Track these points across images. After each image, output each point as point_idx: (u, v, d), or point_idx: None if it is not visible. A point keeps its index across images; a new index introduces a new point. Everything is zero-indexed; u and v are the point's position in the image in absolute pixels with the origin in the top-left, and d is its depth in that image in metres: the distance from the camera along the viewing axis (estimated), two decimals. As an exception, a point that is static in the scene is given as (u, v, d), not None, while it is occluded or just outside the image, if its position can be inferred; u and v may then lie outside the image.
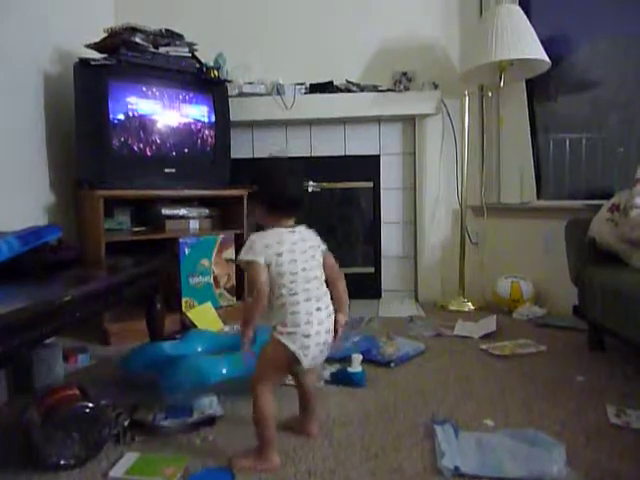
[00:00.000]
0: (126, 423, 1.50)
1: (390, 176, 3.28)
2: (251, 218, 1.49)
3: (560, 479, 1.22)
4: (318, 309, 1.34)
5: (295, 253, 1.36)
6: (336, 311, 1.40)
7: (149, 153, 2.62)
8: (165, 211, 2.72)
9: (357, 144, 3.26)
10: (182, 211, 2.77)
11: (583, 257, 2.20)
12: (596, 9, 2.93)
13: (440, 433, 1.43)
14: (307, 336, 1.30)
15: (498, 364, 2.05)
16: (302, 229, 1.45)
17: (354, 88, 3.08)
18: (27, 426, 1.34)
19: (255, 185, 1.45)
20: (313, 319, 1.32)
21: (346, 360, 1.93)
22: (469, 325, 2.56)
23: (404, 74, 3.06)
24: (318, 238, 1.48)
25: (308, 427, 1.49)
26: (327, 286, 1.41)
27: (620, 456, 1.33)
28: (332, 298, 1.41)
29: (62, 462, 1.30)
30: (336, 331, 1.38)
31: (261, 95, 3.08)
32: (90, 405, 1.36)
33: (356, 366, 1.87)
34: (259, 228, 1.45)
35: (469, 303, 2.99)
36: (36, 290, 1.52)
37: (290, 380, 1.85)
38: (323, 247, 1.46)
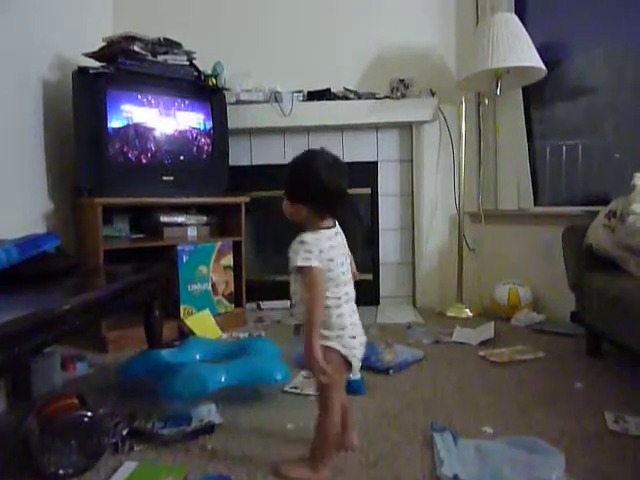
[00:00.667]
0: (125, 432, 1.50)
1: (388, 183, 3.29)
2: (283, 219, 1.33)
3: (559, 486, 1.22)
4: (354, 311, 1.35)
5: (340, 256, 1.33)
6: None
7: (147, 161, 2.62)
8: (163, 218, 2.72)
9: (355, 151, 3.27)
10: (180, 218, 2.78)
11: (580, 263, 2.20)
12: (591, 17, 2.95)
13: (439, 441, 1.43)
14: (353, 337, 1.30)
15: (496, 371, 2.06)
16: (338, 229, 1.37)
17: (352, 95, 3.10)
18: (26, 435, 1.34)
19: (293, 181, 1.32)
20: (355, 321, 1.33)
21: (345, 367, 1.93)
22: (467, 332, 2.56)
23: (401, 81, 3.08)
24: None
25: (348, 441, 1.45)
26: None
27: (619, 463, 1.34)
28: None
29: (61, 471, 1.29)
30: None
31: (259, 102, 3.10)
32: (88, 414, 1.36)
33: (355, 373, 1.86)
34: (300, 229, 1.32)
35: (467, 310, 3.00)
36: (35, 299, 1.52)
37: (292, 388, 1.86)
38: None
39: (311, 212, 1.30)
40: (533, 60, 2.63)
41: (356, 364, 1.31)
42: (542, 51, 2.68)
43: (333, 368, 1.27)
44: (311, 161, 1.31)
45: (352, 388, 1.82)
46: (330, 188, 1.29)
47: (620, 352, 2.11)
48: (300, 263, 1.25)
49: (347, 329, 1.29)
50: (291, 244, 1.30)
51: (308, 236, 1.28)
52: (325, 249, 1.27)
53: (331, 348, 1.28)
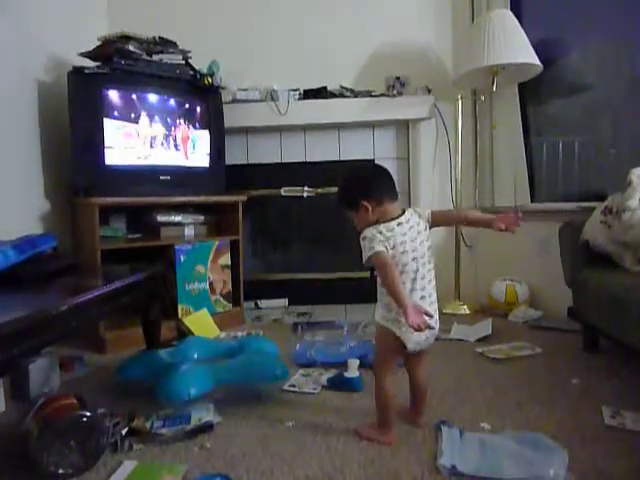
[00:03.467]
0: (124, 431, 1.50)
1: (385, 181, 3.29)
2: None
3: (556, 482, 1.23)
4: (422, 297, 1.42)
5: (406, 244, 1.41)
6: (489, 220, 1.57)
7: (144, 160, 2.62)
8: (160, 218, 2.72)
9: (351, 149, 3.27)
10: (177, 218, 2.78)
11: (577, 259, 2.21)
12: (587, 13, 2.95)
13: (445, 433, 1.45)
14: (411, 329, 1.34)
15: (494, 367, 2.07)
16: (409, 216, 1.47)
17: (348, 93, 3.10)
18: (25, 435, 1.34)
19: (348, 192, 1.53)
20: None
21: (343, 365, 1.94)
22: (465, 328, 2.57)
23: (397, 79, 3.08)
24: (426, 212, 1.51)
25: (416, 418, 1.56)
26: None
27: (616, 458, 1.34)
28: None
29: (60, 471, 1.30)
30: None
31: (255, 101, 3.10)
32: (87, 414, 1.36)
33: (353, 371, 1.88)
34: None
35: (464, 306, 3.01)
36: (32, 299, 1.52)
37: (290, 387, 1.86)
38: (427, 214, 1.51)
39: (374, 206, 1.45)
40: (529, 57, 2.64)
41: (411, 347, 1.42)
42: (538, 47, 2.69)
43: (387, 346, 1.44)
44: (358, 171, 1.64)
45: (350, 385, 1.84)
46: (379, 178, 1.52)
47: (617, 348, 2.11)
48: (368, 254, 1.40)
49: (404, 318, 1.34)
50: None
51: (369, 229, 1.43)
52: (387, 237, 1.40)
53: (387, 328, 1.43)
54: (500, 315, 2.83)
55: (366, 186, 1.49)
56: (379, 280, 1.44)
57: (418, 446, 1.44)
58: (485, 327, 2.52)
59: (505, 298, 2.88)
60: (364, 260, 1.43)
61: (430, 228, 1.51)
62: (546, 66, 2.72)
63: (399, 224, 1.43)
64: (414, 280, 1.42)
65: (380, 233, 1.40)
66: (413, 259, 1.41)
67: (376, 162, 3.27)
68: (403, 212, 1.47)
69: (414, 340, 1.41)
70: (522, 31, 2.69)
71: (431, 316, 1.38)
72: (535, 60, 2.65)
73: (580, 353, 2.19)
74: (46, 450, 1.29)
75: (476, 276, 3.13)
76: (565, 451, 1.32)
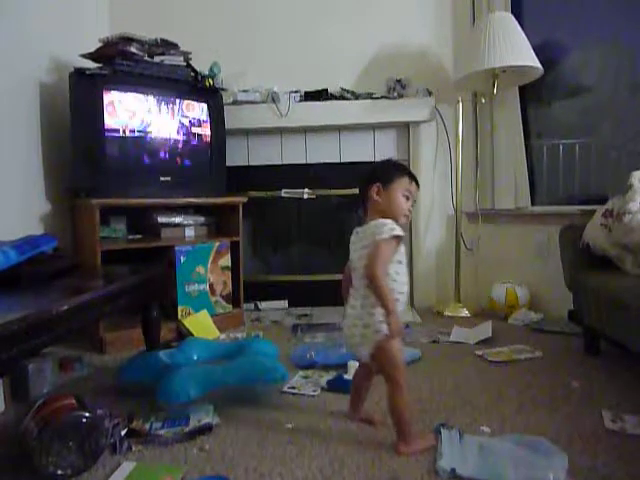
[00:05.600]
0: (123, 432, 1.50)
1: (385, 183, 3.29)
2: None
3: (557, 486, 1.22)
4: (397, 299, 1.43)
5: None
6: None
7: (144, 162, 2.62)
8: (161, 219, 2.72)
9: (352, 151, 3.28)
10: (178, 219, 2.78)
11: (578, 262, 2.21)
12: (588, 15, 2.96)
13: (445, 436, 1.44)
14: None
15: (494, 370, 2.06)
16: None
17: (348, 95, 3.10)
18: (24, 436, 1.34)
19: (374, 179, 1.54)
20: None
21: (342, 367, 1.94)
22: (465, 331, 2.56)
23: (398, 81, 3.08)
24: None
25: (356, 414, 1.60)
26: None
27: (616, 462, 1.34)
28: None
29: (59, 472, 1.29)
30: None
31: (256, 103, 3.10)
32: (87, 414, 1.35)
33: (352, 373, 1.87)
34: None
35: (465, 309, 3.00)
36: (33, 300, 1.52)
37: (290, 388, 1.86)
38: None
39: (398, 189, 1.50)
40: (530, 59, 2.64)
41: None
42: (539, 50, 2.69)
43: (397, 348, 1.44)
44: (382, 162, 1.69)
45: (350, 387, 1.83)
46: (397, 163, 1.62)
47: (618, 351, 2.11)
48: (391, 233, 1.41)
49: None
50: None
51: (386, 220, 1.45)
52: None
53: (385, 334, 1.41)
54: (500, 318, 2.83)
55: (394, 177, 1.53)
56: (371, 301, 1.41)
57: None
58: (485, 330, 2.52)
59: (505, 301, 2.88)
60: (385, 235, 1.41)
61: None
62: (547, 69, 2.73)
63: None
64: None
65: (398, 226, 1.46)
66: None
67: (377, 164, 3.28)
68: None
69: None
70: (523, 33, 2.69)
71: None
72: (536, 63, 2.65)
73: (581, 356, 2.18)
74: (45, 451, 1.28)
75: (476, 279, 3.13)
76: (565, 455, 1.31)
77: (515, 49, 2.63)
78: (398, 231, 1.42)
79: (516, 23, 2.72)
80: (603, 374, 1.96)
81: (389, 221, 1.44)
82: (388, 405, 1.45)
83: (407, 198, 1.51)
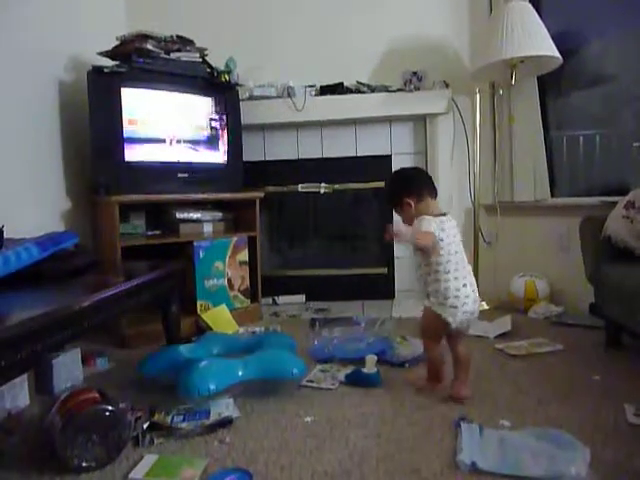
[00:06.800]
0: (145, 425, 1.53)
1: (402, 176, 3.27)
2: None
3: (578, 480, 1.21)
4: (464, 285, 1.65)
5: (450, 237, 1.66)
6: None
7: (162, 158, 2.64)
8: (179, 215, 2.74)
9: (368, 145, 3.26)
10: (196, 215, 2.80)
11: (599, 255, 2.18)
12: (607, 3, 2.90)
13: (465, 430, 1.44)
14: (454, 307, 1.63)
15: (514, 364, 2.05)
16: (449, 216, 1.72)
17: (364, 89, 3.09)
18: (49, 429, 1.37)
19: (393, 191, 1.79)
20: (460, 294, 1.63)
21: (360, 361, 1.94)
22: (484, 325, 2.54)
23: (414, 73, 3.05)
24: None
25: (460, 391, 1.70)
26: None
27: (639, 455, 1.32)
28: None
29: (83, 464, 1.32)
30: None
31: (272, 98, 3.10)
32: (110, 408, 1.38)
33: (371, 367, 1.88)
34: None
35: (484, 302, 2.97)
36: (55, 296, 1.55)
37: (308, 382, 1.87)
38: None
39: (415, 202, 1.71)
40: (548, 49, 2.59)
41: (454, 325, 1.65)
42: (557, 39, 2.64)
43: (433, 325, 1.68)
44: (405, 172, 1.87)
45: (368, 381, 1.84)
46: (419, 176, 1.80)
47: (640, 344, 2.08)
48: (425, 228, 1.62)
49: (450, 299, 1.63)
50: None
51: (425, 218, 1.65)
52: (437, 228, 1.63)
53: (434, 311, 1.66)
54: (520, 311, 2.81)
55: (408, 184, 1.76)
56: (423, 271, 1.68)
57: (437, 442, 1.44)
58: (505, 323, 2.50)
59: (525, 294, 2.85)
60: (418, 232, 1.63)
61: None
62: (566, 58, 2.67)
63: (442, 220, 1.67)
64: (456, 270, 1.65)
65: (435, 223, 1.64)
66: (455, 252, 1.66)
67: (394, 157, 3.27)
68: (444, 214, 1.71)
69: (457, 320, 1.63)
70: (541, 22, 2.64)
71: None
72: (555, 52, 2.60)
73: (602, 350, 2.16)
74: (70, 443, 1.31)
75: (495, 272, 3.10)
76: (587, 448, 1.30)
77: (533, 38, 2.58)
78: None
79: (534, 12, 2.67)
80: (625, 368, 1.93)
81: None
82: (466, 355, 1.75)
83: None
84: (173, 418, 1.57)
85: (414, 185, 1.74)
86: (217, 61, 2.87)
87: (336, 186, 3.27)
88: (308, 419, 1.60)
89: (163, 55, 2.61)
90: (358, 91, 3.09)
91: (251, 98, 3.09)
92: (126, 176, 2.49)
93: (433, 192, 1.75)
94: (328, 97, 3.09)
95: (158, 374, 1.84)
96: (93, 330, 1.52)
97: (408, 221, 1.73)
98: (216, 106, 2.85)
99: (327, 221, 3.44)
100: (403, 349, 2.14)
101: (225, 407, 1.63)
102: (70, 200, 2.59)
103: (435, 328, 1.70)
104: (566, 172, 3.10)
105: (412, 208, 1.71)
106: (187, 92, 2.74)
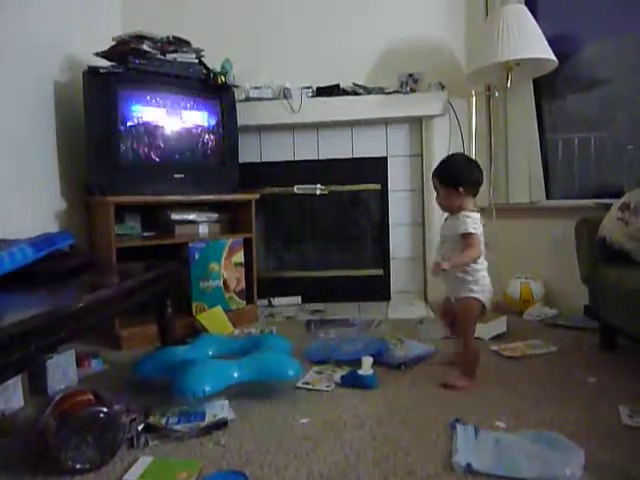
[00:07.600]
0: (140, 427, 1.52)
1: (398, 178, 3.28)
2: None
3: (573, 482, 1.21)
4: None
5: (482, 234, 1.82)
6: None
7: (158, 159, 2.64)
8: (175, 216, 2.74)
9: (364, 146, 3.27)
10: (191, 216, 2.79)
11: (593, 257, 2.19)
12: (603, 6, 2.92)
13: (460, 432, 1.44)
14: (490, 292, 1.88)
15: (509, 365, 2.05)
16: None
17: (361, 91, 3.09)
18: (42, 431, 1.36)
19: (453, 170, 1.86)
20: (488, 281, 1.88)
21: (356, 363, 1.94)
22: (480, 326, 2.52)
23: (410, 75, 3.06)
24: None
25: (458, 380, 1.83)
26: None
27: (634, 458, 1.32)
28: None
29: (77, 466, 1.32)
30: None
31: (268, 99, 3.10)
32: (104, 410, 1.37)
33: (367, 369, 1.88)
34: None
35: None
36: (50, 296, 1.54)
37: (304, 384, 1.87)
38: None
39: (464, 195, 1.83)
40: (544, 52, 2.60)
41: (486, 309, 1.89)
42: (553, 42, 2.65)
43: (475, 314, 1.86)
44: (463, 157, 2.04)
45: (364, 382, 1.84)
46: (476, 175, 1.87)
47: (635, 346, 2.09)
48: (473, 230, 1.78)
49: (487, 286, 1.86)
50: (457, 216, 1.83)
51: (473, 213, 1.82)
52: (479, 227, 1.80)
53: (476, 299, 1.83)
54: (515, 313, 2.81)
55: (470, 175, 1.85)
56: (462, 262, 1.81)
57: (433, 444, 1.44)
58: (500, 325, 2.51)
59: (520, 296, 2.86)
60: (460, 229, 1.79)
61: None
62: (561, 61, 2.69)
63: (478, 214, 1.84)
64: (484, 260, 1.87)
65: (478, 221, 1.81)
66: (485, 245, 1.85)
67: (389, 159, 3.27)
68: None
69: (489, 304, 1.86)
70: (537, 25, 2.65)
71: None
72: (550, 55, 2.61)
73: (596, 351, 2.16)
74: (64, 445, 1.30)
75: (491, 274, 3.09)
76: (581, 450, 1.30)
77: (529, 41, 2.59)
78: None
79: (530, 15, 2.68)
80: (619, 370, 1.94)
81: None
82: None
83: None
84: (168, 420, 1.56)
85: (474, 179, 1.85)
86: (213, 62, 2.87)
87: (332, 188, 3.28)
88: (304, 421, 1.60)
89: (159, 56, 2.61)
90: (354, 93, 3.09)
91: (247, 99, 3.09)
92: (121, 177, 2.49)
93: (477, 192, 1.89)
94: (324, 99, 3.09)
95: (153, 375, 1.84)
96: (88, 331, 1.51)
97: (445, 201, 1.87)
98: (212, 107, 2.85)
99: (323, 223, 3.44)
100: (399, 350, 2.14)
101: (220, 409, 1.62)
102: (65, 201, 2.58)
103: (476, 316, 1.87)
104: (561, 174, 3.11)
105: (459, 197, 1.83)
106: (183, 93, 2.73)
